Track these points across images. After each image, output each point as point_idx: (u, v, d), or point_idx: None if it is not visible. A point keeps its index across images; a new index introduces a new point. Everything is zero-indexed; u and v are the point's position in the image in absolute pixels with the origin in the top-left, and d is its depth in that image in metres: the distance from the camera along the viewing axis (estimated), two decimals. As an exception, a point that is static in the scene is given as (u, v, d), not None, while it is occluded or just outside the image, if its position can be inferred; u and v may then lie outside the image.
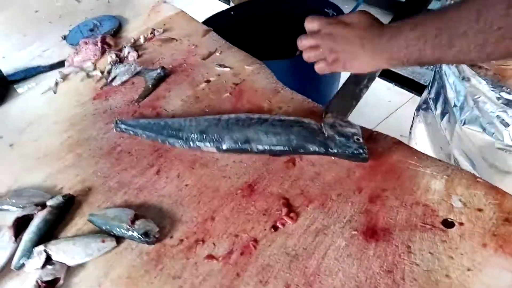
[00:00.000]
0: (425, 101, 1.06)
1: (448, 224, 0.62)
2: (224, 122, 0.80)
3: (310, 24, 0.75)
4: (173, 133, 0.84)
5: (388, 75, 2.32)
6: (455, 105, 0.88)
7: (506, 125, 0.78)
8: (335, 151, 0.72)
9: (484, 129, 0.81)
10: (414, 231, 0.62)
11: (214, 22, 1.27)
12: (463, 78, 0.84)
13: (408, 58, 0.61)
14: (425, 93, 1.08)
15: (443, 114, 0.94)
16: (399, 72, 2.34)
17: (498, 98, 0.75)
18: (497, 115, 0.78)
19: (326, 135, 0.73)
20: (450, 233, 0.61)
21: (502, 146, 0.81)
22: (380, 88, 2.24)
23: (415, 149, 0.75)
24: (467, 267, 0.57)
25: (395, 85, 2.31)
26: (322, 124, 0.75)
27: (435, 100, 0.99)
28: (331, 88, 1.85)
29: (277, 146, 0.76)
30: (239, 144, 0.78)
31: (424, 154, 0.74)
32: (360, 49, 0.68)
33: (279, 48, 1.68)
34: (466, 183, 0.67)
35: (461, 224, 0.62)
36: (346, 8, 1.74)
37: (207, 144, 0.80)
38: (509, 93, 0.74)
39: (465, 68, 0.82)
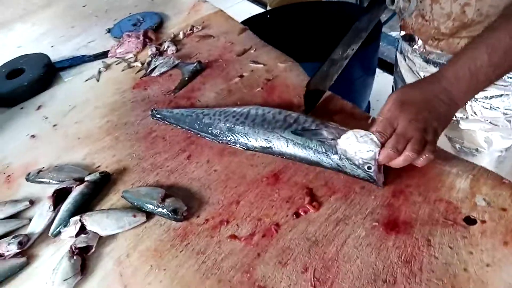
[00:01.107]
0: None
1: (470, 221, 0.62)
2: (251, 121, 0.82)
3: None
4: (203, 128, 0.87)
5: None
6: None
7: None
8: (348, 172, 0.72)
9: None
10: (435, 226, 0.63)
11: (251, 24, 1.31)
12: (419, 70, 0.91)
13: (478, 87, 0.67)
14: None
15: None
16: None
17: None
18: None
19: (339, 157, 0.71)
20: (471, 229, 0.61)
21: (465, 126, 0.87)
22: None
23: (442, 149, 0.75)
24: (486, 263, 0.57)
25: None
26: (337, 146, 0.72)
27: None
28: (364, 91, 1.86)
29: (296, 158, 0.77)
30: (262, 147, 0.80)
31: (450, 154, 0.74)
32: (443, 109, 0.67)
33: (313, 52, 1.71)
34: (492, 184, 0.67)
35: (483, 222, 0.62)
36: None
37: (234, 142, 0.83)
38: None
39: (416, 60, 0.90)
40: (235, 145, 0.83)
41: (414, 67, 0.96)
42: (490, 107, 0.82)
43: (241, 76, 1.04)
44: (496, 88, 0.80)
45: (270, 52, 1.11)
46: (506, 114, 0.82)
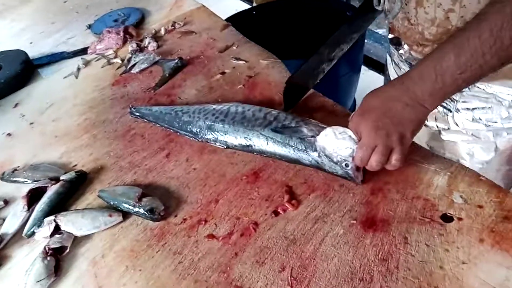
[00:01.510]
0: None
1: (447, 218, 0.63)
2: (231, 119, 0.81)
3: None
4: (183, 126, 0.86)
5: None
6: None
7: (449, 111, 0.82)
8: (327, 170, 0.72)
9: (425, 125, 0.82)
10: (412, 223, 0.63)
11: (236, 21, 1.30)
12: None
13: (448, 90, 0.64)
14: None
15: None
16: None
17: None
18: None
19: (318, 154, 0.71)
20: (448, 227, 0.61)
21: (447, 137, 0.86)
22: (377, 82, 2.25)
23: (421, 146, 0.75)
24: (462, 260, 0.57)
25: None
26: (316, 143, 0.72)
27: None
28: (350, 89, 1.86)
29: (276, 155, 0.77)
30: (242, 145, 0.79)
31: (429, 151, 0.74)
32: (408, 114, 0.65)
33: (298, 48, 1.70)
34: (469, 181, 0.67)
35: (460, 219, 0.62)
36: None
37: (214, 141, 0.83)
38: None
39: (402, 65, 0.89)
40: (215, 143, 0.82)
41: (400, 72, 0.94)
42: (473, 118, 0.80)
43: (223, 73, 1.03)
44: (479, 100, 0.78)
45: (252, 49, 1.10)
46: (488, 126, 0.80)
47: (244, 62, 1.05)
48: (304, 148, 0.73)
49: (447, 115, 0.84)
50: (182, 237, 0.68)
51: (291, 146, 0.74)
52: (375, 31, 2.73)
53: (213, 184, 0.76)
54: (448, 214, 0.63)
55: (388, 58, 1.03)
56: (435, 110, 0.80)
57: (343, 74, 1.76)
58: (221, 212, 0.71)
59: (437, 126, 0.88)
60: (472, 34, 0.59)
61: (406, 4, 0.77)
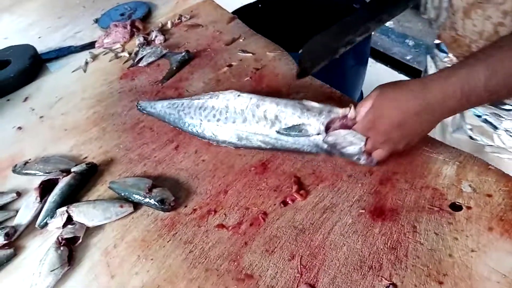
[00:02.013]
0: None
1: (456, 207, 0.63)
2: (232, 122, 0.78)
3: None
4: (188, 128, 0.85)
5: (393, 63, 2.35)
6: None
7: (495, 128, 0.78)
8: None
9: (470, 137, 0.82)
10: (421, 212, 0.63)
11: (242, 14, 1.30)
12: None
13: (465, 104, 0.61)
14: None
15: None
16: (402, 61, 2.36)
17: None
18: (485, 119, 0.79)
19: (328, 149, 0.72)
20: (457, 216, 0.62)
21: (491, 150, 0.81)
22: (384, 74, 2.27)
23: (429, 136, 0.75)
24: (471, 249, 0.57)
25: (400, 72, 2.32)
26: (325, 141, 0.71)
27: None
28: (357, 81, 1.86)
29: (286, 150, 0.77)
30: (252, 146, 0.79)
31: (438, 141, 0.74)
32: (423, 126, 0.64)
33: (304, 41, 1.70)
34: (478, 170, 0.67)
35: (469, 208, 0.62)
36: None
37: (223, 143, 0.82)
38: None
39: None
40: (224, 145, 0.82)
41: None
42: None
43: (230, 66, 1.03)
44: None
45: (259, 41, 1.10)
46: None
47: (251, 54, 1.05)
48: (313, 145, 0.73)
49: (494, 131, 0.80)
50: (192, 227, 0.69)
51: (300, 144, 0.74)
52: (382, 23, 2.71)
53: (221, 175, 0.77)
54: (457, 203, 0.63)
55: (430, 59, 0.96)
56: (481, 124, 0.79)
57: (350, 66, 1.75)
58: (230, 203, 0.71)
59: (482, 139, 0.83)
60: (508, 55, 0.56)
61: (453, 14, 0.74)
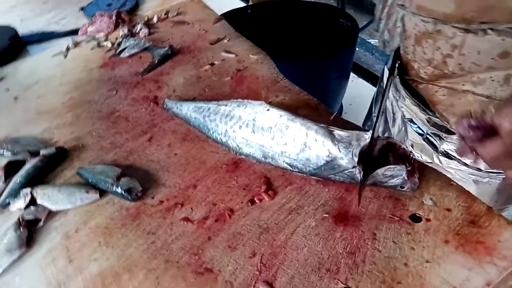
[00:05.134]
0: (370, 119, 1.10)
1: (415, 218, 0.65)
2: (258, 137, 0.75)
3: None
4: (213, 136, 0.82)
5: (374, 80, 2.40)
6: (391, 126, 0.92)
7: (435, 148, 0.82)
8: None
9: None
10: (382, 221, 0.65)
11: (231, 17, 1.31)
12: (398, 99, 0.88)
13: None
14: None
15: (383, 133, 0.98)
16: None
17: (428, 121, 0.80)
18: (426, 137, 0.82)
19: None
20: (416, 227, 0.63)
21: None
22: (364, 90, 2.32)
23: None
24: (426, 259, 0.59)
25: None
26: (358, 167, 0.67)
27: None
28: (338, 94, 1.89)
29: None
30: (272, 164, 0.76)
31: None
32: None
33: (288, 50, 1.72)
34: (440, 185, 0.69)
35: (428, 220, 0.64)
36: (360, 19, 1.77)
37: (246, 156, 0.78)
38: (437, 117, 0.79)
39: (401, 90, 0.86)
40: (246, 158, 0.79)
41: (395, 92, 0.91)
42: None
43: (212, 64, 1.04)
44: None
45: (243, 44, 1.11)
46: None
47: (234, 55, 1.06)
48: (348, 178, 0.69)
49: (434, 150, 0.82)
50: (158, 218, 0.69)
51: (337, 176, 0.70)
52: (368, 40, 2.78)
53: (193, 170, 0.77)
54: (417, 215, 0.65)
55: (386, 70, 0.99)
56: (422, 142, 0.82)
57: (333, 78, 1.78)
58: (198, 197, 0.72)
59: (421, 156, 0.85)
60: None
61: (405, 39, 0.76)
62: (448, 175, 0.74)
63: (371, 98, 1.18)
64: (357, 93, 2.29)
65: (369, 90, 2.38)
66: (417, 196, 0.68)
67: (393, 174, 0.66)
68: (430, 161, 0.85)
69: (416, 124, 0.85)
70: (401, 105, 0.88)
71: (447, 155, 0.82)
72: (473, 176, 0.81)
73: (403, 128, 0.88)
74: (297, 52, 1.88)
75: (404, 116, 0.87)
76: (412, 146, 0.87)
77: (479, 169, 0.79)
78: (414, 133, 0.86)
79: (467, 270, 0.58)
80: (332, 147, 0.68)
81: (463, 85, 0.72)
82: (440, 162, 0.83)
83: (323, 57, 1.61)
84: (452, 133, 0.79)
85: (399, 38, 0.78)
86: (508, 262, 0.57)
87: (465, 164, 0.80)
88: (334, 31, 1.77)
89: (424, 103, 0.81)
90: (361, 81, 2.48)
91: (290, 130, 0.73)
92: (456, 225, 0.63)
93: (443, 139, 0.81)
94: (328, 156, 0.68)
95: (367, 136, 0.68)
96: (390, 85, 0.84)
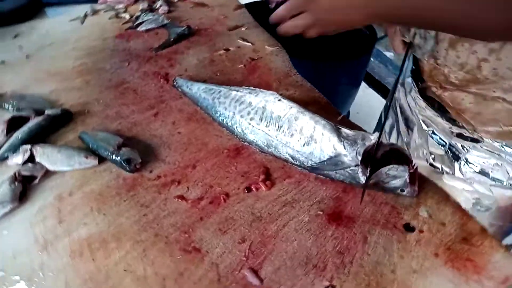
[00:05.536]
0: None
1: (409, 228, 0.64)
2: (265, 125, 0.75)
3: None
4: (219, 119, 0.81)
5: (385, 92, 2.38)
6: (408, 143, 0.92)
7: (457, 158, 0.81)
8: None
9: (431, 164, 0.83)
10: (375, 226, 0.64)
11: (254, 8, 1.30)
12: (418, 112, 0.87)
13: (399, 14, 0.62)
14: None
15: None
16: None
17: (451, 131, 0.79)
18: (449, 148, 0.81)
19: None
20: (408, 236, 0.63)
21: (449, 178, 0.83)
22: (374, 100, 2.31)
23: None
24: (414, 269, 0.59)
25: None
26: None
27: (389, 134, 1.02)
28: (347, 100, 1.88)
29: None
30: (273, 154, 0.76)
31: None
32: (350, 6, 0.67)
33: (306, 49, 1.71)
34: (438, 199, 0.69)
35: (421, 231, 0.64)
36: (378, 30, 1.77)
37: (250, 143, 0.78)
38: (461, 126, 0.78)
39: (420, 101, 0.86)
40: (249, 145, 0.78)
41: (413, 104, 0.90)
42: (480, 171, 0.78)
43: (227, 50, 1.04)
44: (491, 156, 0.76)
45: (260, 34, 1.11)
46: (494, 181, 0.78)
47: (250, 44, 1.06)
48: (350, 177, 0.69)
49: (455, 161, 0.82)
50: (153, 192, 0.69)
51: (338, 174, 0.70)
52: (383, 52, 2.77)
53: (194, 150, 0.77)
54: (411, 225, 0.65)
55: (400, 86, 0.97)
56: (444, 153, 0.81)
57: (344, 83, 1.78)
58: (196, 178, 0.71)
59: (441, 168, 0.85)
60: None
61: (437, 43, 0.75)
62: (454, 191, 0.74)
63: (380, 110, 1.17)
64: (366, 102, 2.29)
65: (378, 101, 2.37)
66: (413, 206, 0.67)
67: (396, 174, 0.66)
68: (451, 172, 0.83)
69: (437, 135, 0.84)
70: (421, 117, 0.87)
71: (470, 165, 0.80)
72: (474, 200, 0.81)
73: (422, 139, 0.87)
74: (311, 52, 1.87)
75: (423, 127, 0.87)
76: (433, 158, 0.86)
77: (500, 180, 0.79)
78: (435, 144, 0.85)
79: (453, 285, 0.57)
80: (338, 144, 0.68)
81: (494, 91, 0.71)
82: (462, 173, 0.82)
83: (337, 61, 1.61)
84: (477, 141, 0.78)
85: (433, 43, 0.76)
86: (495, 283, 0.57)
87: (494, 179, 0.79)
88: (351, 37, 1.77)
89: (446, 113, 0.81)
90: (371, 92, 2.48)
91: (298, 121, 0.72)
92: (448, 240, 0.63)
93: (468, 149, 0.80)
94: (333, 151, 0.68)
95: (372, 137, 0.68)
96: (397, 84, 0.85)
